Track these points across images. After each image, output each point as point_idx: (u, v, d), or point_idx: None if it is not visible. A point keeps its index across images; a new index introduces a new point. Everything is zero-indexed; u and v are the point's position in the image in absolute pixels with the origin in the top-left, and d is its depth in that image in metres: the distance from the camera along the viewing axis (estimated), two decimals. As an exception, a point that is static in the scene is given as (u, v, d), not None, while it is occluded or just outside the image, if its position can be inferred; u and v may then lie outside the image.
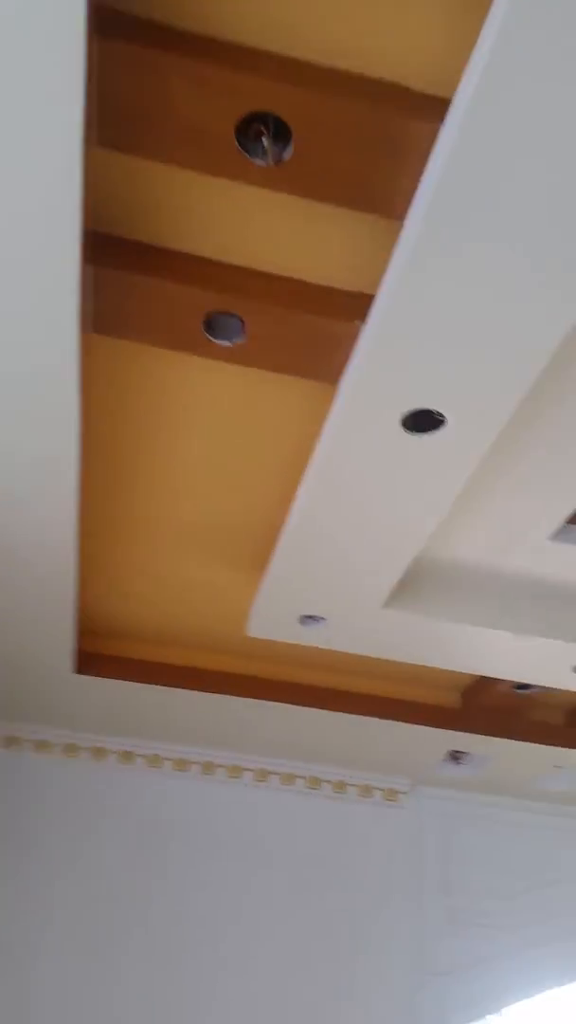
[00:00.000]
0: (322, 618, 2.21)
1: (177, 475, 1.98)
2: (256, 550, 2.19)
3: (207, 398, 1.71)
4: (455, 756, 3.13)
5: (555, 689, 2.65)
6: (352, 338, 1.44)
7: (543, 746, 2.90)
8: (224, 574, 2.31)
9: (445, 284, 1.26)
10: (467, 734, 2.87)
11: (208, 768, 3.18)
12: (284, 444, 1.84)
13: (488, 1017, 3.26)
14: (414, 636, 2.25)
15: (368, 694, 2.84)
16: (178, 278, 1.37)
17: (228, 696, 2.72)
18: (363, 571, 2.05)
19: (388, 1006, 3.05)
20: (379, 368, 1.44)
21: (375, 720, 2.82)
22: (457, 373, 1.43)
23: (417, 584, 2.17)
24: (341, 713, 2.79)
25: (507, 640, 2.23)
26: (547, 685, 2.43)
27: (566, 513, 1.95)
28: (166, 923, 2.98)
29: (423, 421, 1.54)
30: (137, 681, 2.68)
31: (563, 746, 2.90)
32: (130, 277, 1.36)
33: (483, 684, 2.80)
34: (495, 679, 2.72)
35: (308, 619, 2.23)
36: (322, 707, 2.77)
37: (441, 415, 1.51)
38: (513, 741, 2.89)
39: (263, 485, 1.99)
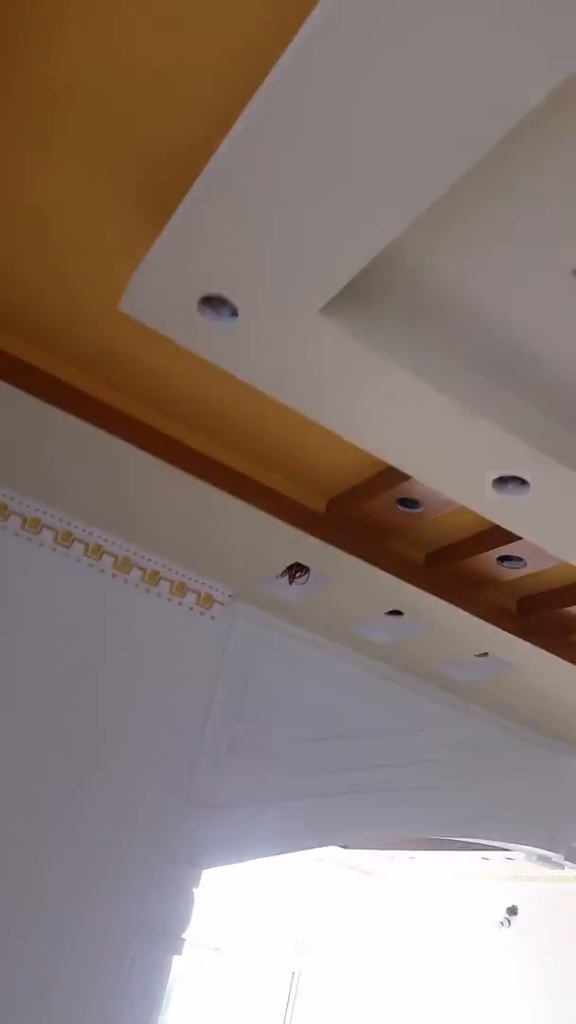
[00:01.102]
0: (232, 307, 1.51)
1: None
2: (166, 184, 1.45)
3: None
4: (292, 574, 2.59)
5: (445, 510, 2.15)
6: None
7: (393, 580, 2.42)
8: (108, 211, 1.55)
9: None
10: (319, 544, 2.31)
11: (1, 512, 2.43)
12: None
13: (239, 863, 2.85)
14: (336, 375, 1.61)
15: (225, 464, 2.20)
16: None
17: (53, 409, 1.97)
18: (312, 249, 1.37)
19: (137, 830, 2.50)
20: None
21: (222, 500, 2.19)
22: None
23: (369, 297, 1.53)
24: (185, 475, 2.13)
25: (440, 418, 1.65)
26: (456, 498, 1.91)
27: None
28: None
29: None
30: None
31: (414, 585, 2.43)
32: None
33: (359, 491, 2.25)
34: (376, 488, 2.18)
35: (211, 305, 1.52)
36: (167, 460, 2.10)
37: None
38: (363, 565, 2.36)
39: (213, 63, 1.25)
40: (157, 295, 1.53)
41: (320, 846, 3.05)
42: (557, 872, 5.68)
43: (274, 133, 1.21)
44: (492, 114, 1.11)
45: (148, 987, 2.46)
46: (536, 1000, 5.45)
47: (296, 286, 1.44)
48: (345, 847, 6.38)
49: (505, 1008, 5.63)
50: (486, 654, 2.79)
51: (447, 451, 1.75)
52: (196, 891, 2.63)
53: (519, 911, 6.17)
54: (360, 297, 1.51)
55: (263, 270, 1.43)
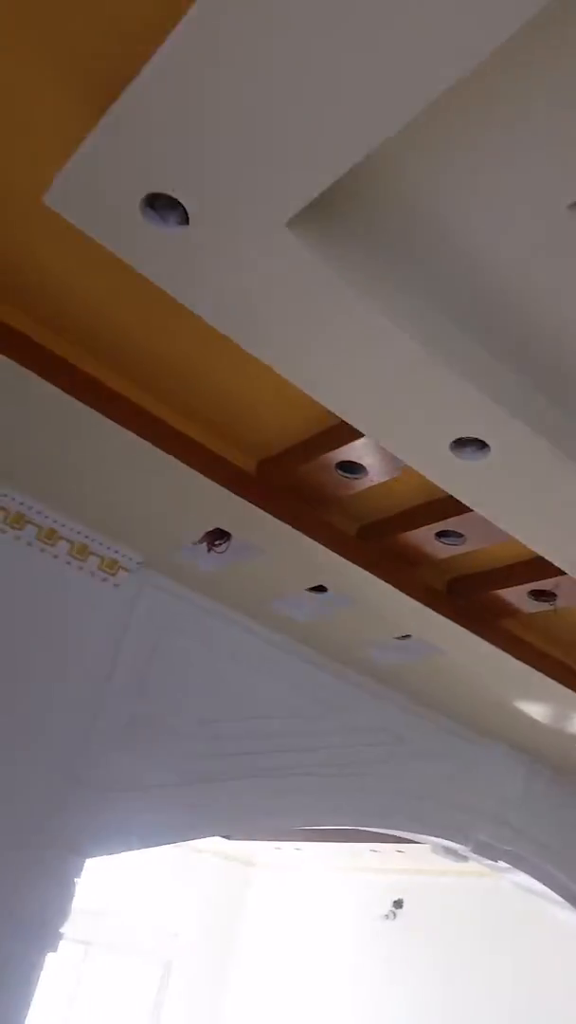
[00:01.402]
0: (182, 212, 1.32)
1: None
2: (114, 61, 1.25)
3: None
4: (211, 541, 2.41)
5: (388, 477, 2.03)
6: None
7: (323, 551, 2.27)
8: (38, 86, 1.32)
9: None
10: (247, 507, 2.14)
11: None
12: None
13: (129, 851, 2.67)
14: (294, 304, 1.44)
15: (145, 409, 1.99)
16: None
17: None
18: (282, 149, 1.20)
19: (16, 813, 2.27)
20: None
21: (139, 449, 1.97)
22: None
23: (343, 216, 1.38)
24: (96, 415, 1.90)
25: (404, 365, 1.52)
26: (407, 460, 1.78)
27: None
28: None
29: None
30: None
31: (345, 558, 2.30)
32: None
33: (295, 452, 2.10)
34: (315, 450, 2.04)
35: (158, 208, 1.33)
36: (74, 395, 1.87)
37: None
38: (292, 533, 2.20)
39: None
40: (93, 189, 1.32)
41: (220, 835, 2.91)
42: (442, 866, 5.76)
43: (242, 9, 1.04)
44: (487, 18, 0.98)
45: (17, 986, 2.26)
46: (419, 992, 5.51)
47: (261, 192, 1.27)
48: (228, 837, 6.26)
49: (387, 999, 5.68)
50: (409, 636, 2.70)
51: (405, 404, 1.61)
52: (77, 881, 2.45)
53: (404, 904, 6.23)
54: (332, 215, 1.35)
55: (223, 170, 1.25)
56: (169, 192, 1.29)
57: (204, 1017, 6.64)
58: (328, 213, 1.34)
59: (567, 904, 3.32)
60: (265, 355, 1.58)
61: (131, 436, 1.95)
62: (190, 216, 1.32)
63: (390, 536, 2.29)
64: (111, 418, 1.92)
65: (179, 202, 1.31)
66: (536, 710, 2.95)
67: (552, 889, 3.27)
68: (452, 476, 1.78)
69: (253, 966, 6.76)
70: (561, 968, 4.59)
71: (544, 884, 3.27)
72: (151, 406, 2.00)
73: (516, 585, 2.40)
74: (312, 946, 6.44)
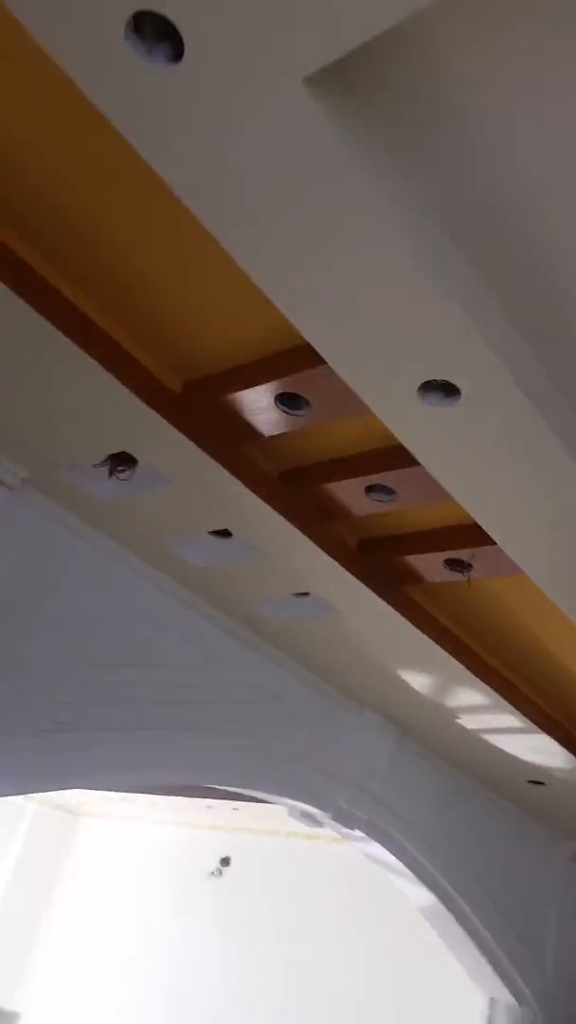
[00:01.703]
0: (175, 44, 1.05)
1: None
2: None
3: None
4: (114, 465, 2.15)
5: (333, 416, 1.85)
6: None
7: (239, 490, 2.06)
8: None
9: None
10: (166, 429, 1.90)
11: None
12: None
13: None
14: (285, 182, 1.22)
15: (60, 293, 1.70)
16: None
17: None
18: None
19: None
20: None
21: (44, 336, 1.69)
22: None
23: (367, 86, 1.16)
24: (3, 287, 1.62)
25: (392, 281, 1.33)
26: (368, 400, 1.59)
27: None
28: None
29: None
30: None
31: (262, 499, 2.09)
32: None
33: (232, 376, 1.87)
34: (254, 376, 1.83)
35: (144, 35, 1.06)
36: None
37: None
38: (209, 465, 1.98)
39: None
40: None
41: (78, 787, 2.68)
42: (273, 826, 5.77)
43: None
44: None
45: None
46: (238, 951, 5.51)
47: (279, 36, 1.04)
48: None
49: (207, 956, 5.65)
50: (307, 594, 2.56)
51: (378, 322, 1.41)
52: None
53: (231, 862, 6.21)
54: (353, 83, 1.13)
55: (238, -5, 1.01)
56: (162, 12, 1.04)
57: (13, 968, 6.40)
58: (349, 80, 1.13)
59: (414, 878, 3.34)
60: (227, 237, 1.33)
61: (36, 316, 1.66)
62: (184, 50, 1.07)
63: (315, 484, 2.12)
64: (11, 288, 1.62)
65: (173, 28, 1.05)
66: (419, 681, 2.90)
67: (403, 863, 3.27)
68: (411, 422, 1.62)
69: (72, 917, 6.56)
70: (392, 936, 4.68)
71: (396, 857, 3.25)
72: (67, 290, 1.72)
73: (432, 552, 2.30)
74: (135, 900, 6.32)
